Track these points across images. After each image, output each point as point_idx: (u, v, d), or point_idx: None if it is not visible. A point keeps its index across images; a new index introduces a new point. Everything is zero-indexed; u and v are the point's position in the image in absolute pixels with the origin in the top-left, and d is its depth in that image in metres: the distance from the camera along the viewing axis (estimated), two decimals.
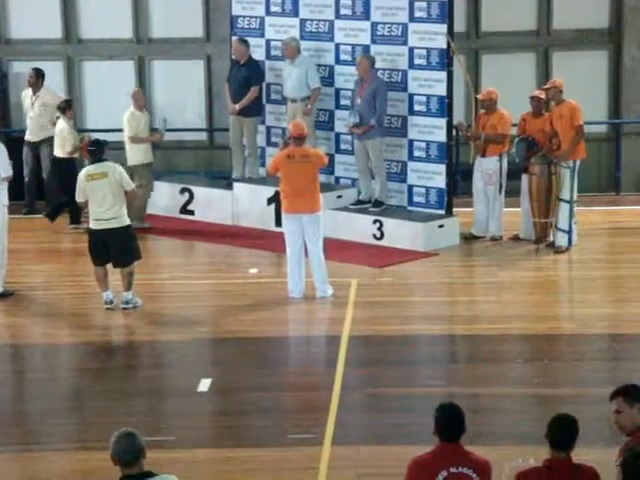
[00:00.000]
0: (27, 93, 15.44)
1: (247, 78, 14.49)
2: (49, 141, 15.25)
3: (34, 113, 15.26)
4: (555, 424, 5.88)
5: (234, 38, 14.84)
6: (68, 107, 14.64)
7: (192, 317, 11.48)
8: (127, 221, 11.58)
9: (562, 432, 5.84)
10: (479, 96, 13.80)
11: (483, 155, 13.69)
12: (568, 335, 10.86)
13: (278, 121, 14.88)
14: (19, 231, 13.54)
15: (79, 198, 11.67)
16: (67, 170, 14.34)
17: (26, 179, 15.38)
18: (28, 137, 15.35)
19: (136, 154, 14.25)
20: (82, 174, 11.61)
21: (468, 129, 13.87)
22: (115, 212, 11.44)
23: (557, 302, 12.21)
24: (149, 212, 14.55)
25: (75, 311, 11.84)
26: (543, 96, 13.54)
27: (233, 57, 14.74)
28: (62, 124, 14.54)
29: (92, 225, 11.61)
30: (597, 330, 10.96)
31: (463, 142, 14.71)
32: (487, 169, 13.69)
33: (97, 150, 11.65)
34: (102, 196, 11.44)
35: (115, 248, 11.49)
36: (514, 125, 13.81)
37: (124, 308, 11.56)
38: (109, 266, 11.66)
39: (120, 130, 14.86)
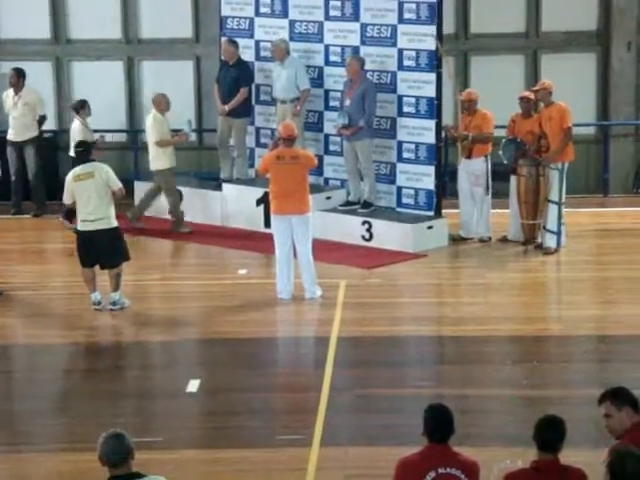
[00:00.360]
0: (8, 93, 15.37)
1: (237, 79, 14.49)
2: (33, 141, 15.23)
3: (18, 113, 15.22)
4: (542, 425, 5.89)
5: (223, 39, 14.83)
6: (81, 107, 14.53)
7: (181, 318, 11.47)
8: (114, 222, 11.54)
9: (549, 433, 5.85)
10: (459, 97, 13.78)
11: (469, 156, 13.70)
12: (556, 336, 10.87)
13: (267, 122, 14.89)
14: (6, 231, 13.54)
15: (66, 200, 11.64)
16: None
17: (13, 178, 15.35)
18: (12, 137, 15.31)
19: (161, 158, 14.12)
20: (69, 176, 11.59)
21: (456, 129, 13.83)
22: (101, 213, 11.40)
23: (545, 303, 12.24)
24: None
25: (63, 312, 11.83)
26: (533, 97, 13.57)
27: (222, 58, 14.74)
28: (76, 124, 14.47)
29: (80, 226, 11.59)
30: (585, 331, 10.98)
31: (451, 143, 14.70)
32: (474, 170, 13.70)
33: (84, 150, 11.63)
34: (87, 197, 11.41)
35: (103, 249, 11.46)
36: (503, 127, 13.84)
37: (111, 309, 11.54)
38: (97, 267, 11.64)
39: (109, 131, 14.87)
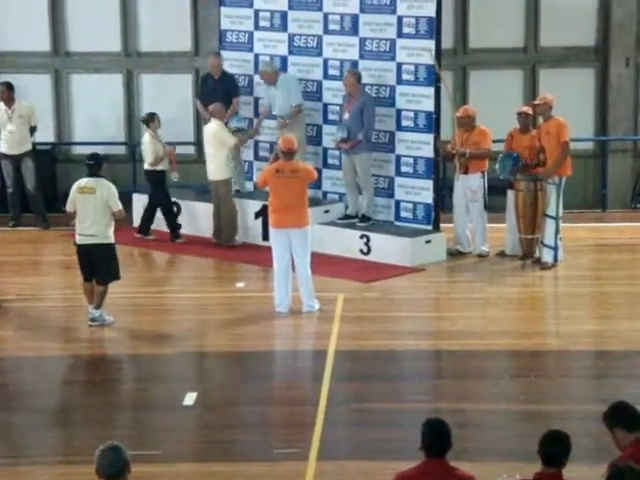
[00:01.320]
0: (0, 107, 15.36)
1: (226, 91, 14.52)
2: (30, 154, 15.22)
3: (13, 127, 15.20)
4: (546, 439, 5.88)
5: (212, 54, 14.85)
6: (151, 119, 14.53)
7: (178, 331, 11.46)
8: (109, 239, 11.44)
9: (553, 447, 5.84)
10: (456, 114, 13.77)
11: (466, 172, 13.70)
12: (554, 351, 10.87)
13: (265, 135, 14.90)
14: (5, 243, 13.51)
15: (68, 207, 11.63)
16: (155, 181, 14.28)
17: (10, 190, 15.33)
18: (7, 151, 15.28)
19: (225, 165, 14.06)
20: (75, 185, 11.59)
21: (453, 146, 13.78)
22: (96, 229, 11.36)
23: (543, 318, 12.23)
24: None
25: (60, 324, 11.81)
26: (531, 112, 13.59)
27: (208, 72, 14.74)
28: (146, 137, 14.47)
29: (77, 240, 11.58)
30: (583, 346, 10.97)
31: (447, 159, 14.60)
32: (471, 186, 13.72)
33: (94, 164, 11.53)
34: (86, 211, 11.39)
35: (98, 265, 11.42)
36: (501, 141, 13.84)
37: (90, 325, 11.46)
38: None
39: (108, 144, 14.85)
